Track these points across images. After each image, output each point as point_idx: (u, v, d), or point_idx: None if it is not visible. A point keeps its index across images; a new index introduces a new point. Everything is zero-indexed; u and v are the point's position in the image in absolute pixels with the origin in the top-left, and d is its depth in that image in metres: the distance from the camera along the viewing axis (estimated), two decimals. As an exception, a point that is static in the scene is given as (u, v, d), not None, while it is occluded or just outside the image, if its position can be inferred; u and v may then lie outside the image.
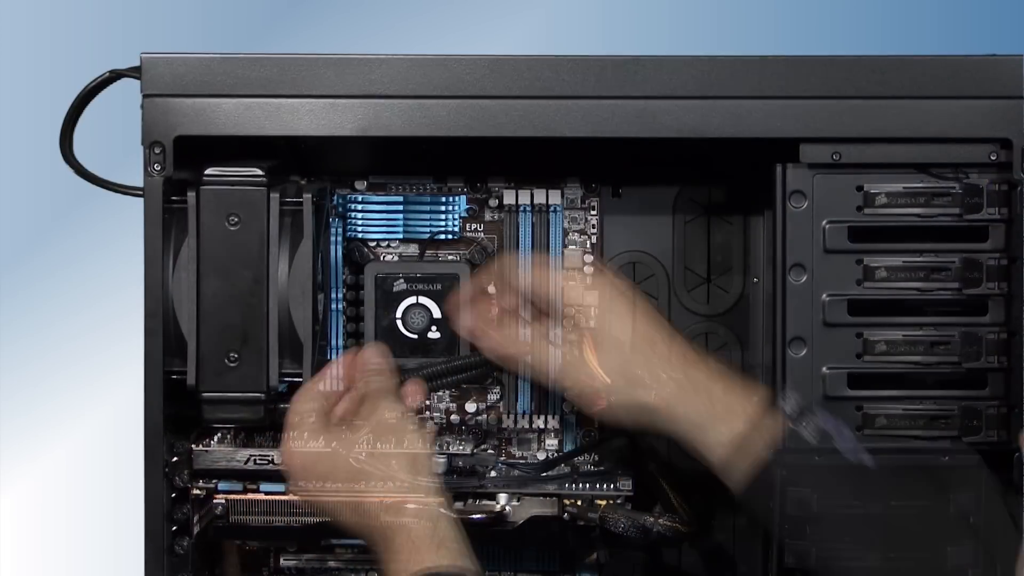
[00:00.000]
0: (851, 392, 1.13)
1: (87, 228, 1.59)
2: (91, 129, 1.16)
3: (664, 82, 1.10)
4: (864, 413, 1.13)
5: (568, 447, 1.25)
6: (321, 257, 1.16)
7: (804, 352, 1.13)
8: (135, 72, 1.10)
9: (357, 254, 1.24)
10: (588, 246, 1.26)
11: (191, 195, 1.11)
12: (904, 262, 1.13)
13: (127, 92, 1.12)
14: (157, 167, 1.09)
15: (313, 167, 1.24)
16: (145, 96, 1.10)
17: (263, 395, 1.12)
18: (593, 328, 1.15)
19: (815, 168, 1.12)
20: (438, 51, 1.10)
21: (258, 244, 1.12)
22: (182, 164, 1.10)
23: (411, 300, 1.22)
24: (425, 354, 1.21)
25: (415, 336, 1.22)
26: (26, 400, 1.60)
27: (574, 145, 1.14)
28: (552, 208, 1.24)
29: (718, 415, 1.12)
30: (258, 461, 1.17)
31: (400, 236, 1.25)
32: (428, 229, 1.24)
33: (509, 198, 1.24)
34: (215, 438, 1.19)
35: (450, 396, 1.26)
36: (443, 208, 1.25)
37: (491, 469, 1.18)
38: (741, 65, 1.10)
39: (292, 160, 1.22)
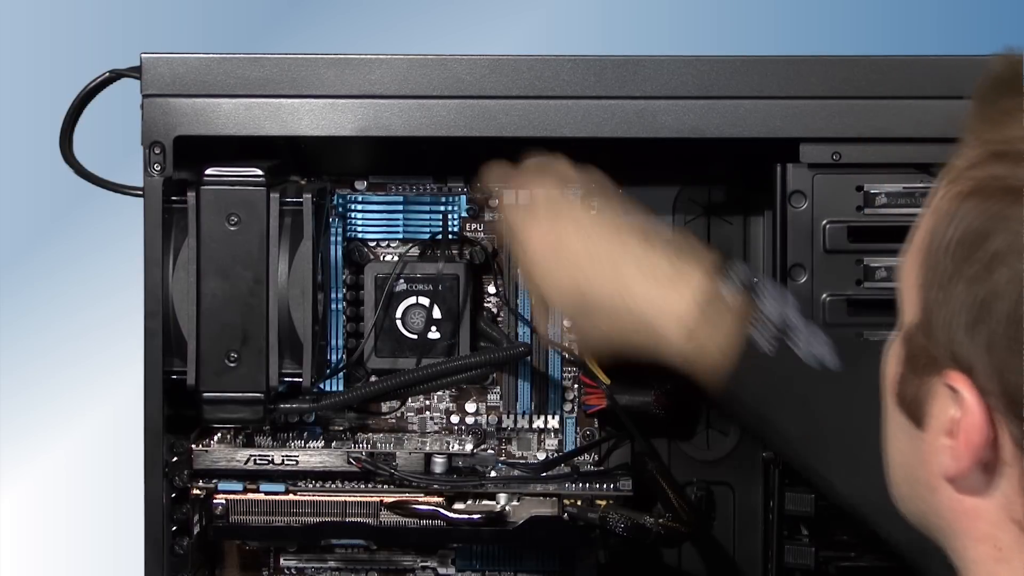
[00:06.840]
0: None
1: (87, 228, 1.59)
2: (91, 129, 1.16)
3: (664, 82, 1.10)
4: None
5: (568, 447, 1.25)
6: (321, 257, 1.15)
7: (804, 352, 1.13)
8: (135, 72, 1.10)
9: (357, 254, 1.24)
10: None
11: (191, 195, 1.11)
12: (904, 262, 1.13)
13: (127, 92, 1.12)
14: (157, 167, 1.09)
15: (313, 167, 1.24)
16: (145, 96, 1.10)
17: (263, 395, 1.12)
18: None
19: (815, 168, 1.12)
20: (438, 51, 1.10)
21: (258, 244, 1.11)
22: (182, 164, 1.10)
23: (411, 300, 1.22)
24: (425, 354, 1.21)
25: (415, 336, 1.21)
26: (26, 400, 1.60)
27: (574, 145, 1.14)
28: (552, 208, 1.23)
29: (665, 301, 1.02)
30: (258, 461, 1.17)
31: (400, 236, 1.25)
32: (428, 229, 1.24)
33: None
34: (215, 438, 1.19)
35: (450, 396, 1.26)
36: (443, 208, 1.24)
37: (491, 469, 1.18)
38: (741, 65, 1.10)
39: (292, 160, 1.22)
